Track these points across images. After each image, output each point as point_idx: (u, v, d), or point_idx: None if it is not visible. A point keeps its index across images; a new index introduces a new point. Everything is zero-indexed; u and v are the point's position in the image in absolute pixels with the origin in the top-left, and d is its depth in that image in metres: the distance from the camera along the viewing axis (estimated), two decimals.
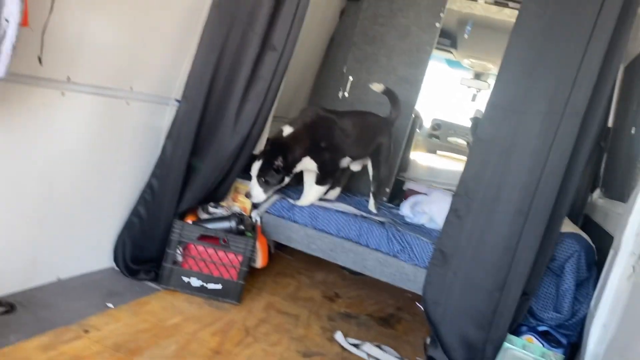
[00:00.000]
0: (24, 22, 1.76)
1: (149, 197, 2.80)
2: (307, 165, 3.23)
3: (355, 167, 3.75)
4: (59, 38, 2.07)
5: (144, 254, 2.82)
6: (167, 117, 2.91)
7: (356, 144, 3.43)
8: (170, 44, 2.79)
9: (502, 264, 2.51)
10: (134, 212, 2.82)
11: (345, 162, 3.46)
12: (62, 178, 2.40)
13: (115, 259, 2.82)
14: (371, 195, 3.70)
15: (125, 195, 2.82)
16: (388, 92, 3.76)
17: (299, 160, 3.15)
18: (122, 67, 2.53)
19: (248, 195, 3.09)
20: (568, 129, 2.40)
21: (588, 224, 3.60)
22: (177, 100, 2.86)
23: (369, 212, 3.51)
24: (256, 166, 3.04)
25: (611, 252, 2.48)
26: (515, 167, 2.51)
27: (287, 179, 3.15)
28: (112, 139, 2.63)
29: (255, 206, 3.22)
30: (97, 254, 2.78)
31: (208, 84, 2.75)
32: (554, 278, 2.79)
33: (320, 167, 3.23)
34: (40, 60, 1.95)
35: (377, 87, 3.73)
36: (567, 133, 2.40)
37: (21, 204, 2.25)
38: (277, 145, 3.07)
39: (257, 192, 3.08)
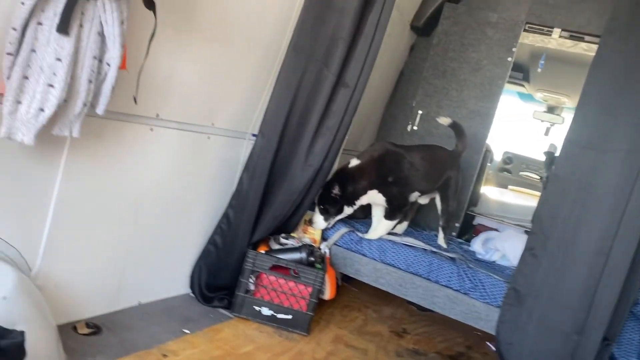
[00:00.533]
0: (122, 65, 1.93)
1: (225, 227, 2.92)
2: (375, 199, 3.26)
3: (423, 200, 3.74)
4: (151, 79, 2.25)
5: (218, 281, 2.93)
6: (244, 151, 3.05)
7: (425, 178, 3.43)
8: (249, 82, 2.93)
9: (581, 306, 2.41)
10: (211, 241, 2.94)
11: (413, 196, 3.46)
12: (147, 208, 2.55)
13: (192, 286, 2.94)
14: (440, 229, 3.68)
15: (204, 224, 2.96)
16: (454, 126, 3.76)
17: (362, 192, 3.20)
18: (205, 105, 2.69)
19: (311, 222, 3.19)
20: None
21: None
22: (254, 135, 3.00)
23: (439, 247, 3.48)
24: (318, 193, 3.15)
25: None
26: (594, 206, 2.43)
27: (347, 209, 3.21)
28: (194, 171, 2.78)
29: (324, 238, 3.28)
30: (175, 281, 2.91)
31: (283, 119, 2.86)
32: (638, 324, 2.64)
33: (388, 201, 3.25)
34: (135, 100, 2.12)
35: (444, 120, 3.74)
36: None
37: (111, 232, 2.42)
38: (339, 175, 3.17)
39: (318, 219, 3.21)
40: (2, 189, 1.89)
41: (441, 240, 3.65)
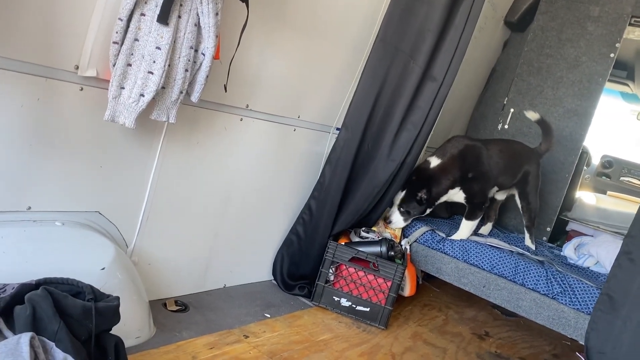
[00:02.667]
0: (216, 56, 2.03)
1: (307, 218, 2.98)
2: (455, 197, 3.19)
3: (500, 196, 3.62)
4: (242, 70, 2.35)
5: (299, 270, 2.99)
6: (327, 144, 3.10)
7: (503, 172, 3.32)
8: (336, 76, 2.97)
9: None
10: (293, 231, 3.01)
11: (492, 191, 3.35)
12: (235, 195, 2.67)
13: (274, 273, 3.03)
14: (525, 230, 3.54)
15: (287, 214, 3.04)
16: (542, 122, 3.61)
17: (444, 192, 3.14)
18: (291, 97, 2.76)
19: (387, 220, 3.16)
20: None
21: None
22: (338, 129, 3.03)
23: (526, 248, 3.34)
24: (399, 196, 3.13)
25: None
26: None
27: (428, 210, 3.16)
28: (279, 162, 2.87)
29: (405, 235, 3.25)
30: (258, 267, 3.01)
31: (368, 113, 2.88)
32: None
33: (468, 199, 3.17)
34: (225, 88, 2.22)
35: (532, 115, 3.60)
36: None
37: (201, 217, 2.55)
38: (423, 178, 3.11)
39: (397, 219, 3.17)
40: (105, 169, 2.05)
41: (528, 241, 3.51)
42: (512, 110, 4.24)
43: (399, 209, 3.15)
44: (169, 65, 1.88)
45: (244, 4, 2.04)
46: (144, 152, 2.17)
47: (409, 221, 3.22)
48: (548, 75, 4.14)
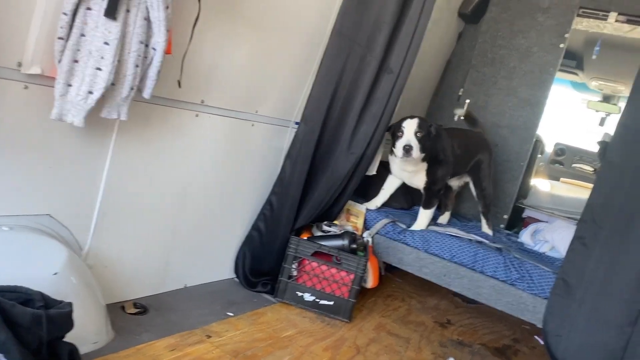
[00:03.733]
0: (168, 50, 1.97)
1: (268, 213, 2.95)
2: (414, 179, 3.24)
3: (454, 183, 3.70)
4: (196, 65, 2.30)
5: (262, 267, 2.96)
6: (287, 138, 3.07)
7: (459, 159, 3.40)
8: (293, 69, 2.95)
9: (635, 298, 2.29)
10: (254, 227, 2.98)
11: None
12: (193, 193, 2.61)
13: (236, 271, 2.99)
14: (481, 215, 3.62)
15: (247, 210, 3.00)
16: (467, 116, 3.75)
17: (433, 150, 3.13)
18: (249, 92, 2.72)
19: (407, 148, 2.96)
20: None
21: None
22: (297, 123, 3.01)
23: (484, 235, 3.41)
24: (413, 124, 3.00)
25: None
26: None
27: (422, 155, 3.05)
28: (238, 158, 2.83)
29: (367, 227, 3.26)
30: (220, 265, 2.97)
31: (326, 106, 2.87)
32: None
33: (428, 184, 3.21)
34: (179, 83, 2.16)
35: (460, 112, 3.68)
36: None
37: (158, 215, 2.49)
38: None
39: (415, 146, 2.97)
40: (55, 169, 1.97)
41: (485, 227, 3.59)
42: (467, 100, 4.30)
43: (415, 135, 2.99)
44: (118, 61, 1.81)
45: None
46: (95, 151, 2.10)
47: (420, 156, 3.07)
48: (501, 65, 4.22)
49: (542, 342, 2.67)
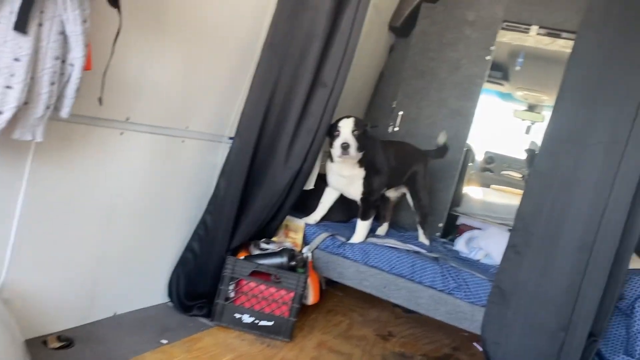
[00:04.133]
0: (87, 66, 1.85)
1: (203, 233, 2.84)
2: (350, 188, 3.23)
3: (391, 194, 3.74)
4: (119, 80, 2.17)
5: (197, 289, 2.84)
6: (220, 154, 2.98)
7: (394, 170, 3.43)
8: (224, 83, 2.86)
9: (566, 302, 2.37)
10: (188, 248, 2.86)
11: (383, 189, 3.45)
12: (120, 215, 2.47)
13: (170, 295, 2.86)
14: (418, 226, 3.66)
15: (180, 231, 2.88)
16: (443, 146, 3.85)
17: (370, 154, 3.15)
18: (178, 107, 2.61)
19: (345, 146, 2.95)
20: (632, 159, 2.29)
21: None
22: (230, 138, 2.93)
23: (422, 245, 3.44)
24: (349, 123, 3.01)
25: None
26: (576, 201, 2.40)
27: (359, 154, 3.06)
28: (168, 176, 2.70)
29: (306, 243, 3.21)
30: (152, 290, 2.82)
31: (260, 121, 2.80)
32: (624, 319, 2.61)
33: (364, 195, 3.20)
34: (100, 101, 2.03)
35: (442, 138, 3.81)
36: (631, 163, 2.29)
37: (82, 240, 2.32)
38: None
39: (353, 144, 2.96)
40: None
41: (422, 237, 3.64)
42: (401, 112, 4.36)
43: (352, 133, 2.98)
44: (31, 79, 1.67)
45: (116, 9, 1.87)
46: (8, 176, 1.93)
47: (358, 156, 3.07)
48: (432, 78, 4.31)
49: (481, 349, 2.70)
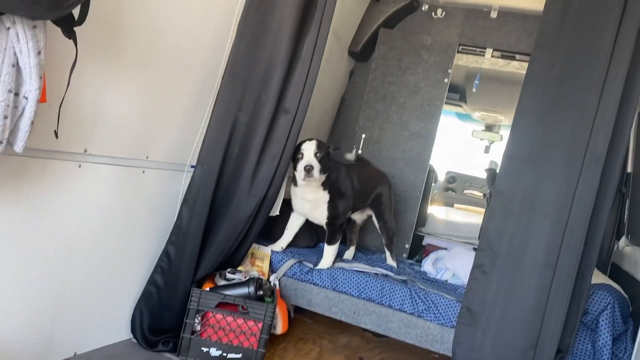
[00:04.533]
0: (42, 98, 1.79)
1: (166, 266, 2.76)
2: (315, 212, 3.22)
3: (357, 216, 3.74)
4: (76, 111, 2.12)
5: (162, 324, 2.75)
6: (182, 183, 2.92)
7: (359, 193, 3.44)
8: (185, 111, 2.83)
9: (534, 320, 2.40)
10: (151, 281, 2.77)
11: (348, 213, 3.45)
12: (79, 250, 2.38)
13: (133, 331, 2.75)
14: (385, 248, 3.67)
15: (142, 264, 2.79)
16: (358, 159, 3.88)
17: (333, 176, 3.16)
18: (137, 137, 2.56)
19: (308, 168, 2.94)
20: (589, 176, 2.36)
21: (615, 272, 3.49)
22: (192, 166, 2.88)
23: (389, 268, 3.44)
24: (312, 145, 3.02)
25: None
26: (538, 219, 2.45)
27: (323, 176, 3.08)
28: (128, 208, 2.63)
29: (273, 270, 3.17)
30: (115, 326, 2.72)
31: (224, 148, 2.77)
32: (590, 333, 2.67)
33: (330, 219, 3.20)
34: (56, 134, 1.97)
35: (350, 156, 3.84)
36: (589, 180, 2.36)
37: (39, 278, 2.22)
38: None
39: (316, 166, 2.97)
40: None
41: (389, 259, 3.64)
42: (363, 135, 4.40)
43: (315, 156, 2.99)
44: None
45: (72, 40, 1.83)
46: None
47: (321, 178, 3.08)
48: (393, 101, 4.37)
49: None
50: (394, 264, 3.64)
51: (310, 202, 3.19)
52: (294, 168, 3.06)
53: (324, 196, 3.16)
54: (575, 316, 2.45)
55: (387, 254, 3.69)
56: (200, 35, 2.72)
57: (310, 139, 3.07)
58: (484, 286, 2.54)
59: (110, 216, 2.52)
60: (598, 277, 2.90)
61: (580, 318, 2.50)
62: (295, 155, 3.02)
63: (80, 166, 2.26)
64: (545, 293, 2.38)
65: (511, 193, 2.55)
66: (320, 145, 3.04)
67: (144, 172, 2.66)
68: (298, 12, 2.74)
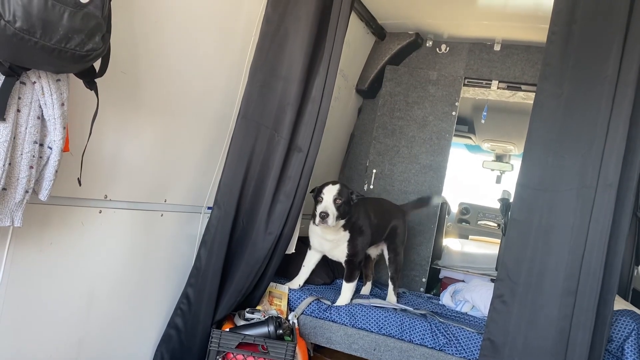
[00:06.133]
0: (65, 148, 1.86)
1: (185, 308, 2.78)
2: (335, 251, 3.22)
3: (372, 252, 3.73)
4: (97, 160, 2.18)
5: None
6: (200, 225, 2.97)
7: (376, 228, 3.44)
8: (201, 154, 2.89)
9: (558, 349, 2.36)
10: (171, 324, 2.78)
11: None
12: (100, 294, 2.41)
13: None
14: (390, 281, 3.60)
15: (162, 306, 2.81)
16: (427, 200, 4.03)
17: (355, 218, 3.17)
18: (155, 182, 2.62)
19: (323, 215, 2.95)
20: (604, 202, 2.35)
21: (637, 298, 3.43)
22: (209, 208, 2.92)
23: (408, 302, 3.41)
24: (333, 190, 3.03)
25: None
26: (556, 246, 2.44)
27: (340, 222, 3.08)
28: (148, 251, 2.67)
29: (291, 309, 3.16)
30: None
31: (239, 188, 2.82)
32: None
33: (349, 257, 3.20)
34: (79, 182, 2.03)
35: (437, 199, 4.01)
36: (603, 206, 2.35)
37: (63, 323, 2.25)
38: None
39: (332, 214, 2.97)
40: None
41: (391, 294, 3.54)
42: (374, 170, 4.44)
43: (334, 202, 2.99)
44: (9, 164, 1.67)
45: (93, 91, 1.90)
46: None
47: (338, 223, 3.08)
48: (401, 135, 4.43)
49: None
50: (394, 298, 3.54)
51: (330, 241, 3.21)
52: (315, 208, 3.09)
53: (345, 235, 3.18)
54: (600, 344, 2.41)
55: (390, 287, 3.58)
56: (213, 80, 2.81)
57: (334, 182, 3.11)
58: (505, 317, 2.51)
59: (131, 260, 2.56)
60: (620, 304, 2.86)
61: (605, 346, 2.46)
62: (317, 197, 3.05)
63: (100, 212, 2.31)
64: (568, 321, 2.34)
65: (527, 221, 2.55)
66: (342, 192, 3.04)
67: (162, 215, 2.71)
68: (307, 57, 2.83)
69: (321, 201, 3.02)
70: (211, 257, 2.79)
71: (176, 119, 2.64)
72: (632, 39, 2.40)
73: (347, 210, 3.07)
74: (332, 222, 2.98)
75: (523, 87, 4.33)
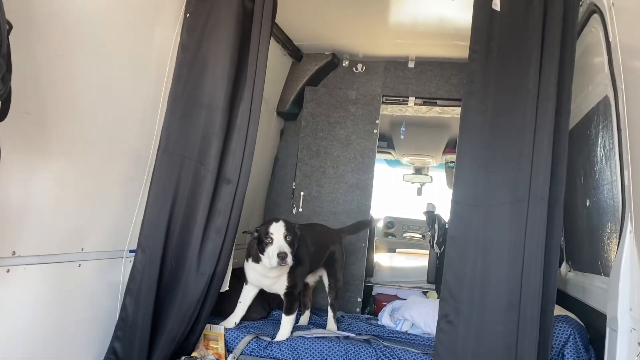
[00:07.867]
0: None
1: None
2: (274, 286, 3.09)
3: (310, 279, 3.60)
4: (1, 213, 1.92)
5: None
6: (122, 271, 2.72)
7: (314, 255, 3.33)
8: (118, 194, 2.66)
9: None
10: None
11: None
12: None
13: None
14: (329, 308, 3.47)
15: None
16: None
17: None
18: (70, 229, 2.37)
19: (283, 256, 2.80)
20: (537, 214, 2.40)
21: (562, 299, 3.56)
22: (132, 251, 2.69)
23: (350, 328, 3.33)
24: (280, 227, 2.88)
25: (608, 329, 2.41)
26: (494, 262, 2.46)
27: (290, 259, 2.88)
28: (66, 307, 2.39)
29: (229, 350, 2.97)
30: None
31: (165, 228, 2.63)
32: None
33: (288, 289, 3.07)
34: None
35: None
36: (537, 219, 2.40)
37: None
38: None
39: (289, 252, 2.83)
40: None
41: (331, 321, 3.42)
42: (302, 193, 4.36)
43: (285, 239, 2.84)
44: None
45: None
46: None
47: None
48: (326, 155, 4.39)
49: None
50: (334, 326, 3.41)
51: (271, 278, 3.05)
52: (260, 250, 2.92)
53: (285, 268, 3.02)
54: (545, 354, 2.44)
55: (330, 315, 3.45)
56: (128, 113, 2.61)
57: (277, 220, 2.96)
58: (452, 337, 2.49)
59: (46, 319, 2.28)
60: (556, 310, 2.94)
61: (549, 355, 2.50)
62: (263, 238, 2.89)
63: (8, 271, 2.03)
64: (514, 336, 2.35)
65: (464, 238, 2.55)
66: (288, 227, 2.91)
67: (80, 265, 2.45)
68: (229, 83, 2.71)
69: (271, 242, 2.86)
70: (138, 306, 2.56)
71: (89, 159, 2.40)
72: (547, 53, 2.49)
73: (296, 244, 2.95)
74: (291, 260, 2.84)
75: (439, 102, 4.45)
